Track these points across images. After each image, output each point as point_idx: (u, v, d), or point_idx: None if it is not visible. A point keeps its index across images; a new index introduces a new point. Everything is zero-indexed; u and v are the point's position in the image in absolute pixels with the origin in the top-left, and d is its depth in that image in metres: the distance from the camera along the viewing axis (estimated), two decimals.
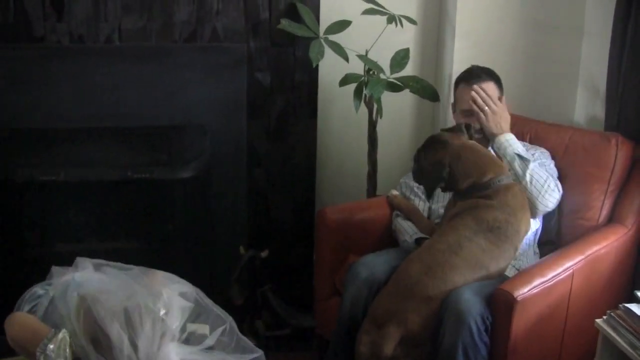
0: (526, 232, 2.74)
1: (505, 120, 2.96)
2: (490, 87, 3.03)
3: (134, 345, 1.98)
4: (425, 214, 3.10)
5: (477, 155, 2.76)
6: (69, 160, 3.38)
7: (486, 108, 2.93)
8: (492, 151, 2.95)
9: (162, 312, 2.09)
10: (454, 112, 3.16)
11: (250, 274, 3.45)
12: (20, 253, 3.43)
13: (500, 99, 3.05)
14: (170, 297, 2.16)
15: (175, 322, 2.12)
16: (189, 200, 3.56)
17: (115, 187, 3.42)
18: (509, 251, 2.67)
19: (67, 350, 2.03)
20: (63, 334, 2.04)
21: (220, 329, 2.31)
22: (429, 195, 2.89)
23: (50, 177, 3.32)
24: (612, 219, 2.97)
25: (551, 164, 2.99)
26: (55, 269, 2.31)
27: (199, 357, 2.15)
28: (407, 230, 3.04)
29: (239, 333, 2.39)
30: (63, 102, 3.29)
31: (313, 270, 3.39)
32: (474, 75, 3.06)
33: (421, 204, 3.13)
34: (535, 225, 2.93)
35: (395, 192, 3.20)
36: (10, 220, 3.42)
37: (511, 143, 2.91)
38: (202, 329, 2.32)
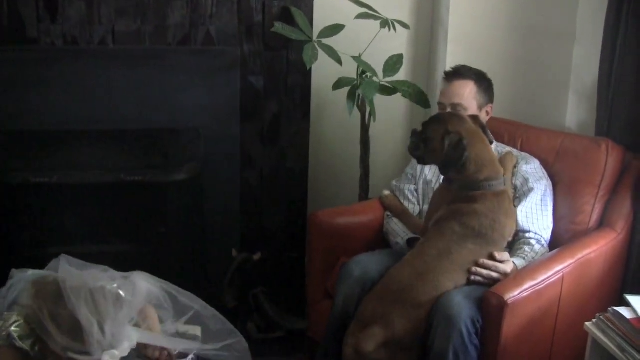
0: (510, 235, 2.76)
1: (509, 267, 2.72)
2: (467, 86, 3.04)
3: (102, 329, 2.04)
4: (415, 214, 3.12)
5: (485, 148, 2.74)
6: (63, 162, 3.38)
7: (495, 275, 2.66)
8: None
9: (126, 294, 2.13)
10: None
11: (242, 277, 3.46)
12: (14, 255, 3.42)
13: (489, 107, 3.07)
14: (135, 280, 2.17)
15: (138, 304, 2.16)
16: (182, 203, 3.57)
17: (108, 190, 3.42)
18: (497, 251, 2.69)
19: (19, 327, 2.06)
20: (15, 314, 2.08)
21: (185, 318, 2.35)
22: (424, 163, 2.87)
23: (44, 179, 3.32)
24: (603, 223, 2.99)
25: (543, 188, 2.96)
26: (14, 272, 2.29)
27: (161, 339, 2.19)
28: (399, 232, 3.05)
29: (217, 315, 2.40)
30: (57, 105, 3.29)
31: (305, 273, 3.39)
32: (454, 73, 3.09)
33: (411, 207, 3.15)
34: None
35: (387, 192, 3.22)
36: (3, 223, 3.42)
37: (518, 265, 2.75)
38: (194, 330, 2.32)
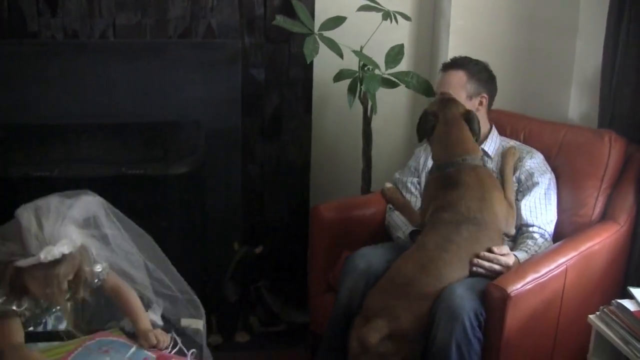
0: (502, 211, 2.76)
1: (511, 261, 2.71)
2: (456, 75, 3.05)
3: (40, 225, 2.04)
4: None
5: (457, 131, 2.81)
6: (64, 156, 3.37)
7: (497, 267, 2.66)
8: None
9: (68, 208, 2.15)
10: None
11: (244, 270, 3.46)
12: None
13: (482, 97, 3.06)
14: (79, 198, 2.21)
15: (79, 214, 2.16)
16: (183, 197, 3.55)
17: (109, 184, 3.40)
18: (493, 237, 2.70)
19: None
20: None
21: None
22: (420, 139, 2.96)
23: (44, 173, 3.30)
24: (606, 215, 2.98)
25: (547, 182, 2.96)
26: None
27: (97, 242, 2.20)
28: (401, 226, 3.05)
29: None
30: (57, 98, 3.28)
31: (307, 266, 3.39)
32: (449, 63, 3.12)
33: (414, 200, 3.14)
34: None
35: (389, 185, 3.22)
36: (4, 217, 3.40)
37: (520, 258, 2.75)
38: (196, 323, 2.32)
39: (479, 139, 2.92)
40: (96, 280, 2.24)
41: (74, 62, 3.29)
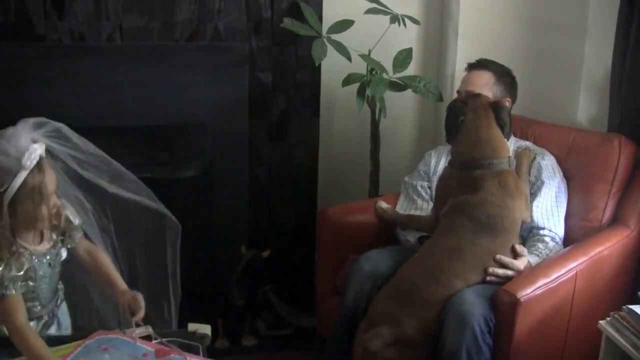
0: (523, 218, 2.73)
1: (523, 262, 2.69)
2: (483, 76, 3.04)
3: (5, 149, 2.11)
4: (428, 213, 3.10)
5: (487, 127, 2.76)
6: None
7: (510, 273, 2.63)
8: None
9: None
10: None
11: (251, 274, 3.45)
12: None
13: (506, 100, 3.03)
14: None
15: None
16: (190, 200, 3.54)
17: None
18: (509, 242, 2.67)
19: None
20: None
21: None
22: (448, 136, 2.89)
23: None
24: (616, 220, 2.96)
25: (557, 184, 2.94)
26: None
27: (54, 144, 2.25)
28: (409, 238, 3.02)
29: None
30: (64, 101, 3.28)
31: (314, 270, 3.38)
32: (475, 63, 3.11)
33: (424, 205, 3.12)
34: None
35: (383, 205, 3.17)
36: None
37: (532, 262, 2.73)
38: (204, 328, 2.31)
39: (511, 131, 2.88)
40: (75, 234, 2.33)
41: (80, 64, 3.29)
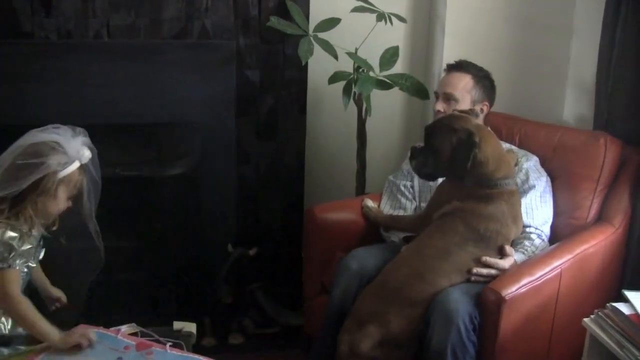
0: (514, 237, 2.75)
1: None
2: (463, 79, 3.04)
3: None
4: (411, 212, 3.11)
5: (498, 143, 2.74)
6: None
7: (494, 272, 2.63)
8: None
9: None
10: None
11: (238, 272, 3.45)
12: None
13: (484, 105, 3.04)
14: None
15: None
16: (177, 198, 3.55)
17: (103, 185, 3.39)
18: (496, 256, 2.67)
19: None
20: None
21: None
22: (433, 179, 2.85)
23: None
24: (601, 218, 2.97)
25: (543, 185, 2.96)
26: None
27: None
28: (393, 239, 3.03)
29: None
30: (51, 99, 3.26)
31: (301, 268, 3.38)
32: (454, 65, 3.10)
33: (408, 204, 3.13)
34: None
35: (369, 204, 3.17)
36: None
37: (518, 260, 2.74)
38: (189, 327, 2.31)
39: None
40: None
41: (68, 62, 3.27)
